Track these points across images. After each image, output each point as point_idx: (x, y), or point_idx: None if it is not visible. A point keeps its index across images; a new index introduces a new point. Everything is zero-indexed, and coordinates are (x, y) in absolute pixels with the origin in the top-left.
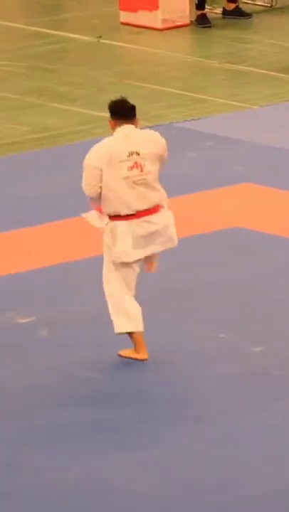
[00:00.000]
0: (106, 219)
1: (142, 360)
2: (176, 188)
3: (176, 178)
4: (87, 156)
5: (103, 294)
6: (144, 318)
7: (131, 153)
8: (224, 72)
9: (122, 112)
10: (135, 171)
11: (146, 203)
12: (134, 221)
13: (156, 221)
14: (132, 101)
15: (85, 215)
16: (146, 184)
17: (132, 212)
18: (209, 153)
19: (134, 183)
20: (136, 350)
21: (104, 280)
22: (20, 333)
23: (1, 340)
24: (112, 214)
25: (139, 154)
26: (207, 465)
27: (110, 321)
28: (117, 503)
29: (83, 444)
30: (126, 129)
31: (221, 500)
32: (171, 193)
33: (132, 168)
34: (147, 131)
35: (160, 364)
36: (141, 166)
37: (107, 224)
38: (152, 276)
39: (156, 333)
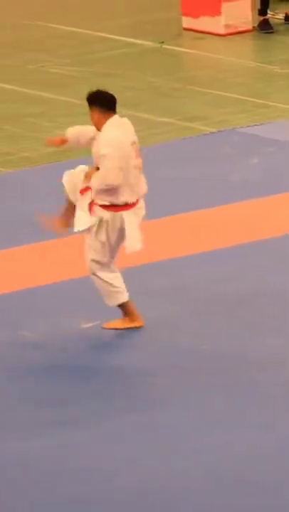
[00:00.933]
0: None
1: (139, 327)
2: (238, 194)
3: (237, 184)
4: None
5: (171, 300)
6: (205, 325)
7: (133, 143)
8: (286, 77)
9: (113, 103)
10: (138, 159)
11: (143, 189)
12: (134, 208)
13: (142, 205)
14: (196, 107)
15: (79, 225)
16: (141, 171)
17: (134, 201)
18: (271, 159)
19: (139, 171)
20: (131, 319)
21: (95, 267)
22: (82, 338)
23: (63, 345)
24: (121, 204)
25: (135, 143)
26: None
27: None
28: None
29: None
30: (118, 120)
31: None
32: (232, 198)
33: (136, 156)
34: (126, 119)
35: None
36: (139, 154)
37: (100, 218)
38: (212, 283)
39: (218, 339)
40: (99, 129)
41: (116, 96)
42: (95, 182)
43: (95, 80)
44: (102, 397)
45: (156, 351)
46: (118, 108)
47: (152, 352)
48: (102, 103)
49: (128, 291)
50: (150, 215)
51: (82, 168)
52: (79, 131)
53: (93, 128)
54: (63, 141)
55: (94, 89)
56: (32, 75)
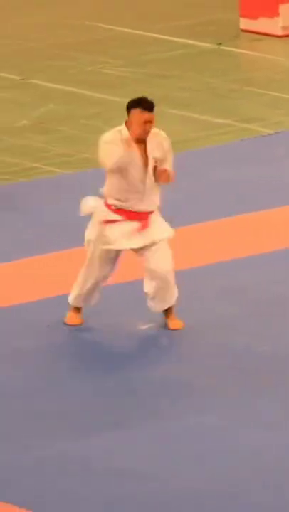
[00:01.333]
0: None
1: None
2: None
3: None
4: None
5: (230, 301)
6: (264, 326)
7: None
8: None
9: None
10: None
11: None
12: None
13: None
14: (253, 108)
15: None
16: None
17: None
18: None
19: None
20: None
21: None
22: (140, 340)
23: (121, 346)
24: None
25: None
26: None
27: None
28: None
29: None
30: None
31: None
32: (284, 201)
33: None
34: None
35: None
36: None
37: None
38: (272, 284)
39: (278, 340)
40: (148, 132)
41: (173, 97)
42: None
43: (151, 81)
44: (158, 396)
45: (214, 352)
46: (173, 110)
47: (210, 353)
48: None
49: (188, 291)
50: (209, 216)
51: None
52: (119, 158)
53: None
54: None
55: (142, 94)
56: (88, 76)
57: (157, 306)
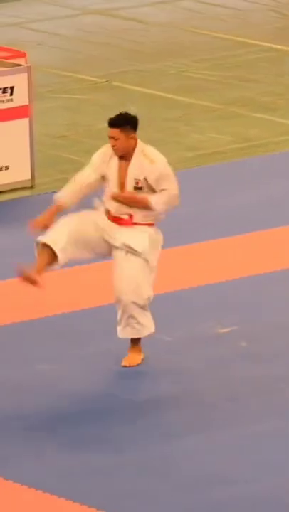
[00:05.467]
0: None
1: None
2: None
3: None
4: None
5: None
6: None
7: None
8: None
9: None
10: None
11: None
12: None
13: None
14: None
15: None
16: None
17: None
18: None
19: None
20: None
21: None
22: (220, 343)
23: (202, 350)
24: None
25: None
26: None
27: None
28: None
29: None
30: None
31: None
32: None
33: None
34: None
35: None
36: None
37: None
38: None
39: None
40: (130, 152)
41: (255, 100)
42: (161, 203)
43: (235, 84)
44: (239, 401)
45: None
46: (256, 113)
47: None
48: (136, 126)
49: (253, 299)
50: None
51: (95, 211)
52: (79, 186)
53: (92, 166)
54: (52, 218)
55: (122, 112)
56: (172, 79)
57: (121, 333)
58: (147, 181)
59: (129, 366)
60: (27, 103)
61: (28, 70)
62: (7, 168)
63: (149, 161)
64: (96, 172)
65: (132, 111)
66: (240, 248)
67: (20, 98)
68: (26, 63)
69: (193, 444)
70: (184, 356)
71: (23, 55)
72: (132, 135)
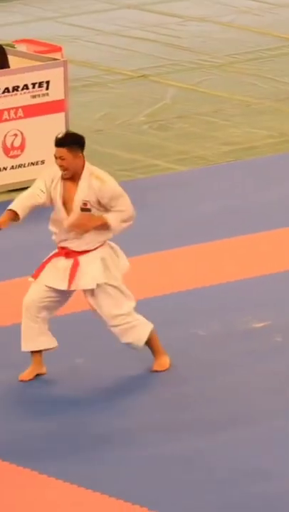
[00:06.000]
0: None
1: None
2: None
3: None
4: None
5: None
6: None
7: None
8: None
9: None
10: None
11: None
12: None
13: None
14: None
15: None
16: None
17: None
18: None
19: None
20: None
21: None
22: (255, 338)
23: (237, 344)
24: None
25: None
26: None
27: None
28: None
29: None
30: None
31: None
32: None
33: None
34: None
35: None
36: None
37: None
38: None
39: None
40: (78, 172)
41: None
42: (119, 222)
43: (269, 79)
44: (275, 395)
45: None
46: None
47: None
48: (83, 145)
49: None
50: None
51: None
52: (30, 204)
53: (42, 187)
54: (8, 220)
55: (69, 131)
56: (207, 74)
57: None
58: (100, 202)
59: (161, 371)
60: (63, 97)
61: (64, 64)
62: (43, 162)
63: (101, 181)
64: (46, 193)
65: (168, 104)
66: (275, 243)
67: (56, 92)
68: (62, 57)
69: (232, 438)
70: (219, 350)
71: (59, 50)
72: (80, 155)
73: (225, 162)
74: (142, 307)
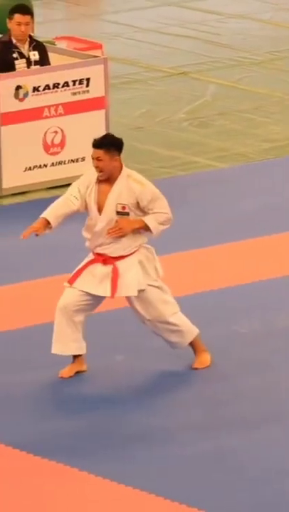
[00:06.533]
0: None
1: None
2: None
3: None
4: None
5: None
6: None
7: None
8: None
9: None
10: None
11: None
12: None
13: None
14: None
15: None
16: None
17: None
18: None
19: None
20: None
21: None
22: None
23: (278, 342)
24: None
25: None
26: None
27: None
28: None
29: None
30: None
31: None
32: None
33: None
34: None
35: None
36: None
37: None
38: None
39: None
40: (114, 175)
41: None
42: (158, 224)
43: None
44: None
45: None
46: None
47: None
48: (121, 148)
49: None
50: None
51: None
52: (63, 212)
53: (77, 193)
54: (44, 228)
55: (108, 133)
56: (247, 71)
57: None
58: (138, 205)
59: (202, 368)
60: (103, 94)
61: (105, 61)
62: (83, 159)
63: (140, 185)
64: (80, 200)
65: (208, 101)
66: None
67: (97, 89)
68: (102, 55)
69: (269, 436)
70: (259, 348)
71: (99, 47)
72: (116, 157)
73: (265, 159)
74: (183, 304)
